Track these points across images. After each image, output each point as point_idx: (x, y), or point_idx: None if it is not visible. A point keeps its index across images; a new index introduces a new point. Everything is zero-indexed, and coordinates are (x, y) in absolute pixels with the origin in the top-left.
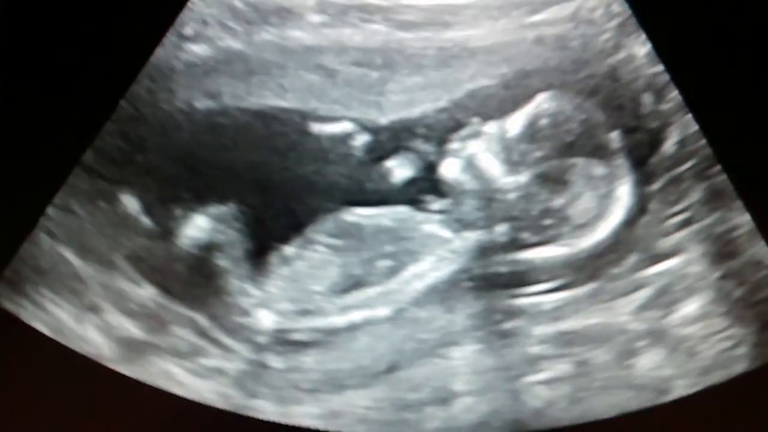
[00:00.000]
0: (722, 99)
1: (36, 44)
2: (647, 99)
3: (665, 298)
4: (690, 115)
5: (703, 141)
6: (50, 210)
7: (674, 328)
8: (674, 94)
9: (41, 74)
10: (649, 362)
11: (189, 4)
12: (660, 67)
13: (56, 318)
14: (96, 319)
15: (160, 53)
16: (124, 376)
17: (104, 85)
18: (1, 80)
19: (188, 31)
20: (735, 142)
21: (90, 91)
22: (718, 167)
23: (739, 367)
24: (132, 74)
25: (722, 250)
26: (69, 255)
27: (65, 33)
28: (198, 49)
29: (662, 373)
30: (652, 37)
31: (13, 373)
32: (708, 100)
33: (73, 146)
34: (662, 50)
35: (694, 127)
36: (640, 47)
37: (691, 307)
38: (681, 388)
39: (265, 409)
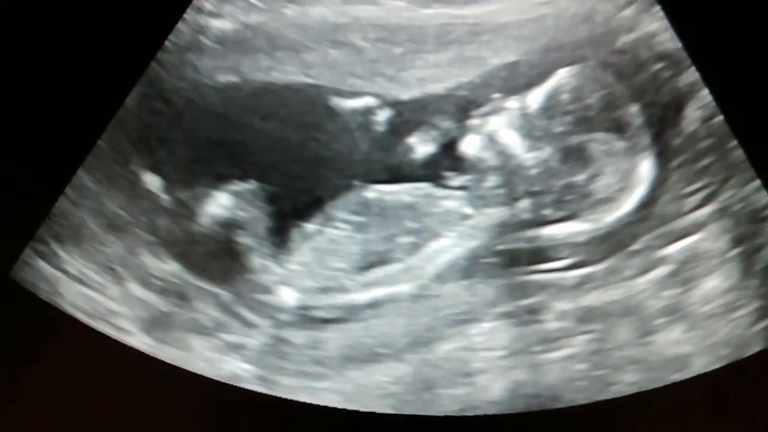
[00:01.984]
0: (739, 75)
1: (59, 21)
2: (666, 74)
3: (685, 275)
4: (706, 92)
5: (720, 117)
6: (70, 188)
7: (693, 306)
8: (691, 70)
9: (64, 49)
10: (667, 339)
11: None
12: (677, 43)
13: (82, 290)
14: (120, 291)
15: (181, 28)
16: (151, 357)
17: (126, 61)
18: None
19: (209, 6)
20: (754, 119)
21: (112, 67)
22: (735, 142)
23: (758, 345)
24: (153, 50)
25: (742, 227)
26: (95, 228)
27: (88, 6)
28: (219, 25)
29: (681, 351)
30: (671, 13)
31: (49, 360)
32: (726, 76)
33: (95, 123)
34: (680, 27)
35: (712, 104)
36: (660, 24)
37: (710, 284)
38: (699, 366)
39: (287, 384)
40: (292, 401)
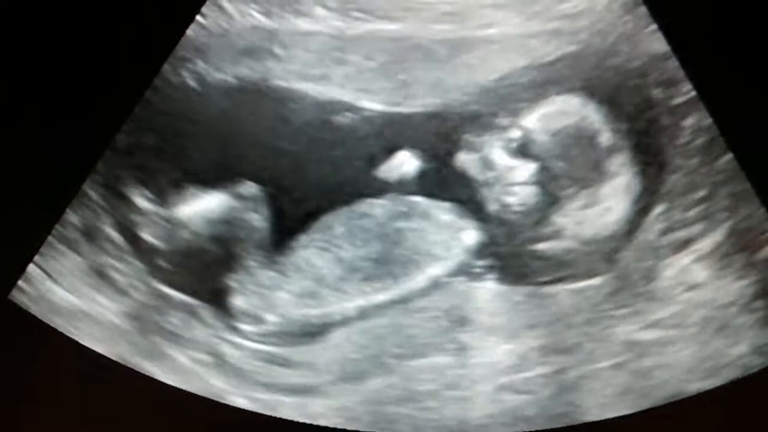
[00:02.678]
0: (735, 92)
1: (65, 26)
2: (660, 93)
3: (678, 290)
4: (703, 109)
5: (716, 133)
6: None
7: (687, 325)
8: (686, 88)
9: (71, 57)
10: (663, 357)
11: None
12: (673, 61)
13: (68, 304)
14: (107, 305)
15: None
16: (137, 372)
17: (135, 67)
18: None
19: (211, 14)
20: (748, 135)
21: (121, 72)
22: (731, 156)
23: (755, 364)
24: (163, 54)
25: (737, 242)
26: (84, 246)
27: (94, 13)
28: (221, 32)
29: (676, 368)
30: (666, 31)
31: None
32: (721, 93)
33: (94, 143)
34: (676, 44)
35: (707, 119)
36: (655, 41)
37: (704, 299)
38: (696, 384)
39: (276, 399)
40: (279, 419)
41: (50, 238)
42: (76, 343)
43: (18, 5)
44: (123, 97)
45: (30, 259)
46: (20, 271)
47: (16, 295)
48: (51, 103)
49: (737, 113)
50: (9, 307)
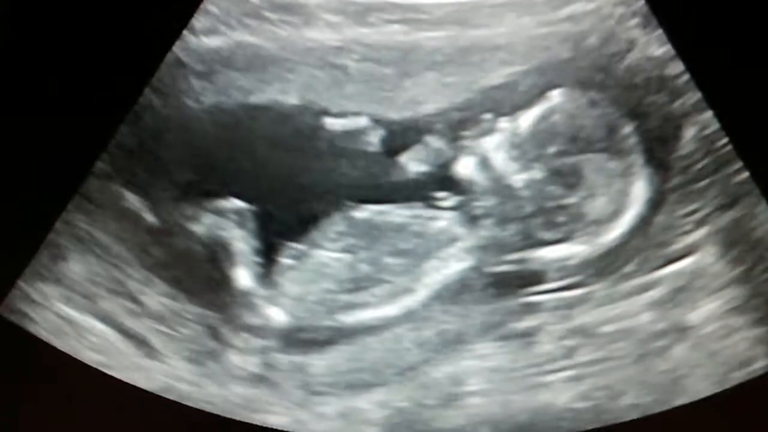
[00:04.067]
0: (743, 96)
1: (52, 42)
2: (664, 97)
3: (681, 296)
4: (710, 113)
5: (724, 139)
6: (61, 218)
7: (690, 328)
8: (693, 92)
9: (59, 71)
10: (665, 362)
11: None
12: (679, 65)
13: (66, 321)
14: (105, 319)
15: (174, 49)
16: (143, 390)
17: (122, 82)
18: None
19: (200, 25)
20: (756, 139)
21: (107, 90)
22: (739, 164)
23: (759, 367)
24: (150, 70)
25: (741, 248)
26: (79, 258)
27: (82, 29)
28: (210, 44)
29: (679, 374)
30: (672, 35)
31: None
32: (728, 98)
33: (88, 150)
34: (681, 48)
35: (714, 124)
36: (659, 45)
37: (707, 306)
38: (699, 390)
39: (276, 411)
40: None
41: (41, 250)
42: (68, 356)
43: (12, 12)
44: (109, 112)
45: (20, 273)
46: (10, 283)
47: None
48: (37, 117)
49: (744, 116)
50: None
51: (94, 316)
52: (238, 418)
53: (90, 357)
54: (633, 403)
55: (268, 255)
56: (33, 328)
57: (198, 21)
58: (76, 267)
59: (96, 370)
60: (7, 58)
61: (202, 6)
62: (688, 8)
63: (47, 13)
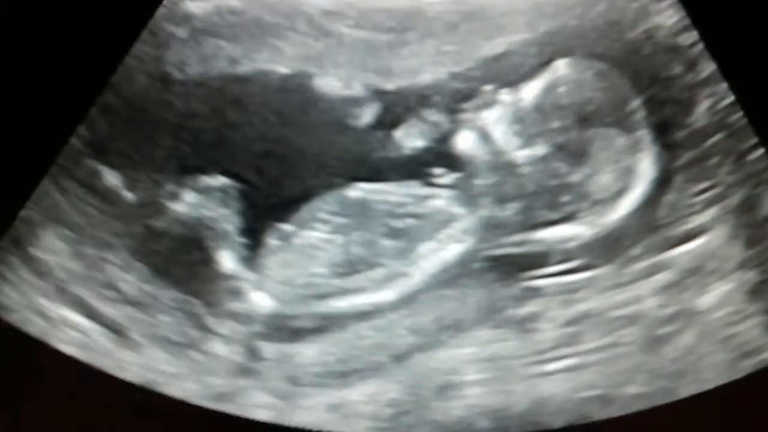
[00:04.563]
0: (760, 68)
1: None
2: (676, 69)
3: (690, 280)
4: (724, 85)
5: (738, 114)
6: (36, 193)
7: (699, 314)
8: (706, 64)
9: (41, 41)
10: (673, 349)
11: None
12: (692, 35)
13: (42, 307)
14: (83, 306)
15: (157, 16)
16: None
17: (101, 51)
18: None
19: None
20: None
21: (86, 57)
22: (754, 140)
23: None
24: (131, 38)
25: (754, 230)
26: (55, 239)
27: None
28: (196, 9)
29: (688, 361)
30: (686, 2)
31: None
32: (745, 69)
33: (67, 118)
34: (695, 16)
35: (729, 98)
36: (672, 13)
37: (718, 291)
38: (708, 378)
39: (261, 403)
40: (262, 423)
41: (12, 228)
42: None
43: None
44: (87, 82)
45: None
46: None
47: None
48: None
49: (761, 89)
50: None
51: (68, 304)
52: (222, 410)
53: (64, 349)
54: (639, 392)
55: (254, 236)
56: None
57: None
58: (48, 250)
59: (95, 369)
60: None
61: None
62: None
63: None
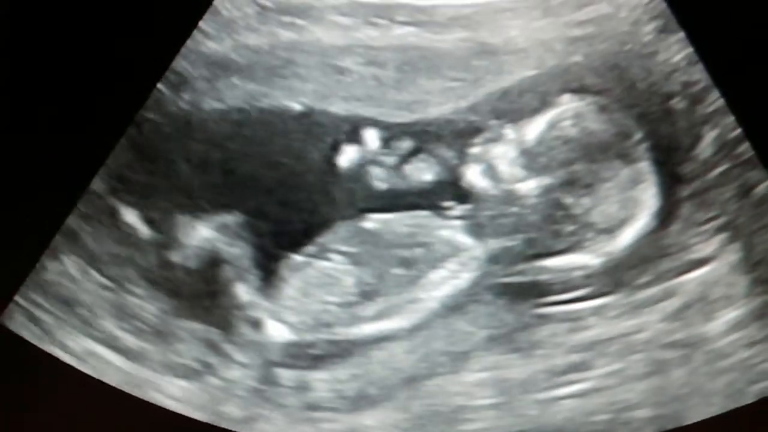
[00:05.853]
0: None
1: (53, 53)
2: (681, 103)
3: (698, 307)
4: (731, 119)
5: (744, 145)
6: (60, 231)
7: (707, 340)
8: (712, 98)
9: (60, 84)
10: (682, 375)
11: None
12: (698, 69)
13: (63, 339)
14: (103, 337)
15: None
16: (141, 400)
17: (123, 92)
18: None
19: (206, 28)
20: None
21: (109, 100)
22: (759, 170)
23: None
24: (153, 80)
25: (760, 257)
26: (77, 274)
27: (84, 31)
28: (217, 48)
29: (696, 387)
30: (693, 39)
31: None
32: (752, 103)
33: (85, 168)
34: (703, 51)
35: (735, 130)
36: (678, 50)
37: (725, 317)
38: (716, 404)
39: (276, 428)
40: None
41: (42, 262)
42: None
43: (16, 20)
44: (114, 117)
45: (19, 285)
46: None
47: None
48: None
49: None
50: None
51: (89, 336)
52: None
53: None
54: (648, 416)
55: (268, 267)
56: (32, 339)
57: (206, 24)
58: (73, 282)
59: (96, 380)
60: (8, 58)
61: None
62: (711, 12)
63: (48, 14)
